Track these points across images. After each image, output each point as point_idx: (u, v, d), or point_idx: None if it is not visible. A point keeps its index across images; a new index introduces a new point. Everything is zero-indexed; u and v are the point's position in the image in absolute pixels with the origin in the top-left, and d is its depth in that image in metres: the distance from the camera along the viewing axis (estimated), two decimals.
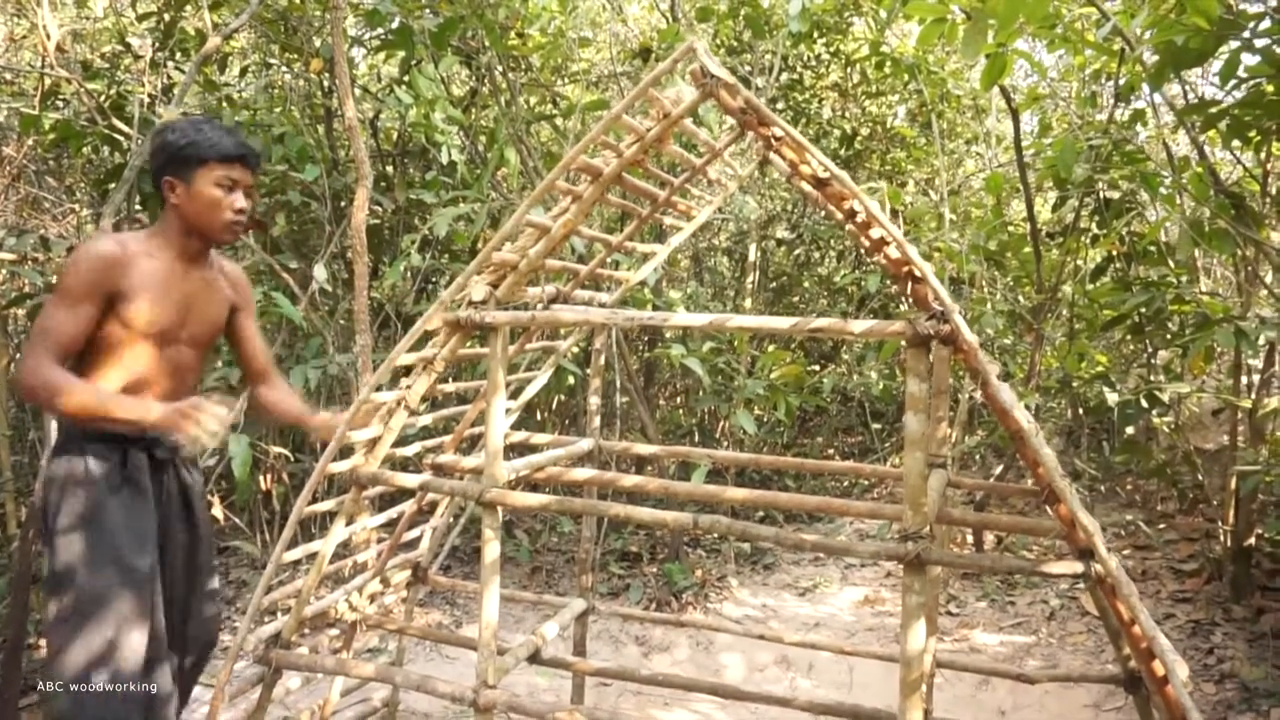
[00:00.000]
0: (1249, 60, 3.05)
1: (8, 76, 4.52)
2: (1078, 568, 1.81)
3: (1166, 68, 3.10)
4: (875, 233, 1.90)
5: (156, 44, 4.37)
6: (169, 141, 2.10)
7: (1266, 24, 2.87)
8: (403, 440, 2.51)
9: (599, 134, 2.02)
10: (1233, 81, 3.12)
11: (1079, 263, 4.91)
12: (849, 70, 5.89)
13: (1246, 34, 2.88)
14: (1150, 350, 4.72)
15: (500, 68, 4.78)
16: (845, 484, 5.76)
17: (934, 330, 1.72)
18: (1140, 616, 1.67)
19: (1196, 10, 2.74)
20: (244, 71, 5.25)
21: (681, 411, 6.15)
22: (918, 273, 1.83)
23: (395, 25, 4.25)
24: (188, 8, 4.42)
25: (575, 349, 3.96)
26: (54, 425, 2.66)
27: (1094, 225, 4.42)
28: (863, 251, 5.43)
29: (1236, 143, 3.40)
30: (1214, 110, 3.25)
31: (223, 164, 2.09)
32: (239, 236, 2.21)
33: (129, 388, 2.06)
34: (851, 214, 1.94)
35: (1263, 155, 3.62)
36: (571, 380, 4.57)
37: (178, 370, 2.16)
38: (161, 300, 2.07)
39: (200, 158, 2.08)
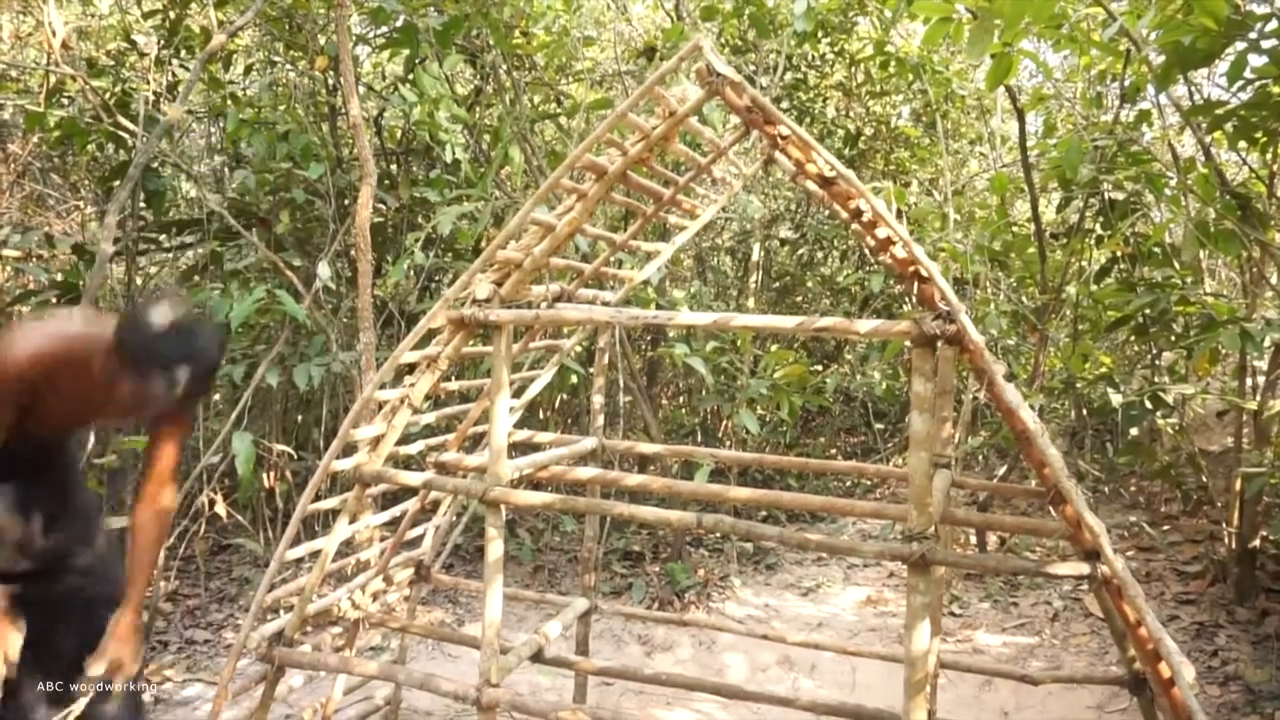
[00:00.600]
0: (1256, 61, 3.03)
1: (13, 74, 4.52)
2: (1083, 569, 1.81)
3: (1173, 68, 3.09)
4: (881, 232, 1.90)
5: (161, 41, 4.37)
6: (138, 348, 1.87)
7: (1274, 25, 2.86)
8: (406, 438, 2.51)
9: (604, 131, 2.01)
10: (1240, 82, 3.10)
11: (1083, 263, 4.90)
12: (853, 70, 5.88)
13: (1254, 35, 2.87)
14: (1155, 351, 4.71)
15: (505, 66, 4.77)
16: (848, 484, 5.75)
17: (940, 330, 1.72)
18: (1146, 618, 1.66)
19: (1204, 11, 2.73)
20: (249, 69, 5.25)
21: (684, 411, 6.15)
22: (924, 272, 1.82)
23: (400, 23, 4.25)
24: (193, 5, 4.42)
25: (578, 348, 3.95)
26: None
27: (1099, 226, 4.41)
28: (867, 251, 5.42)
29: (1242, 144, 3.39)
30: (1221, 111, 3.24)
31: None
32: None
33: None
34: (857, 213, 1.94)
35: (1269, 156, 3.60)
36: (575, 379, 4.57)
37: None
38: (61, 410, 2.01)
39: (147, 384, 1.88)
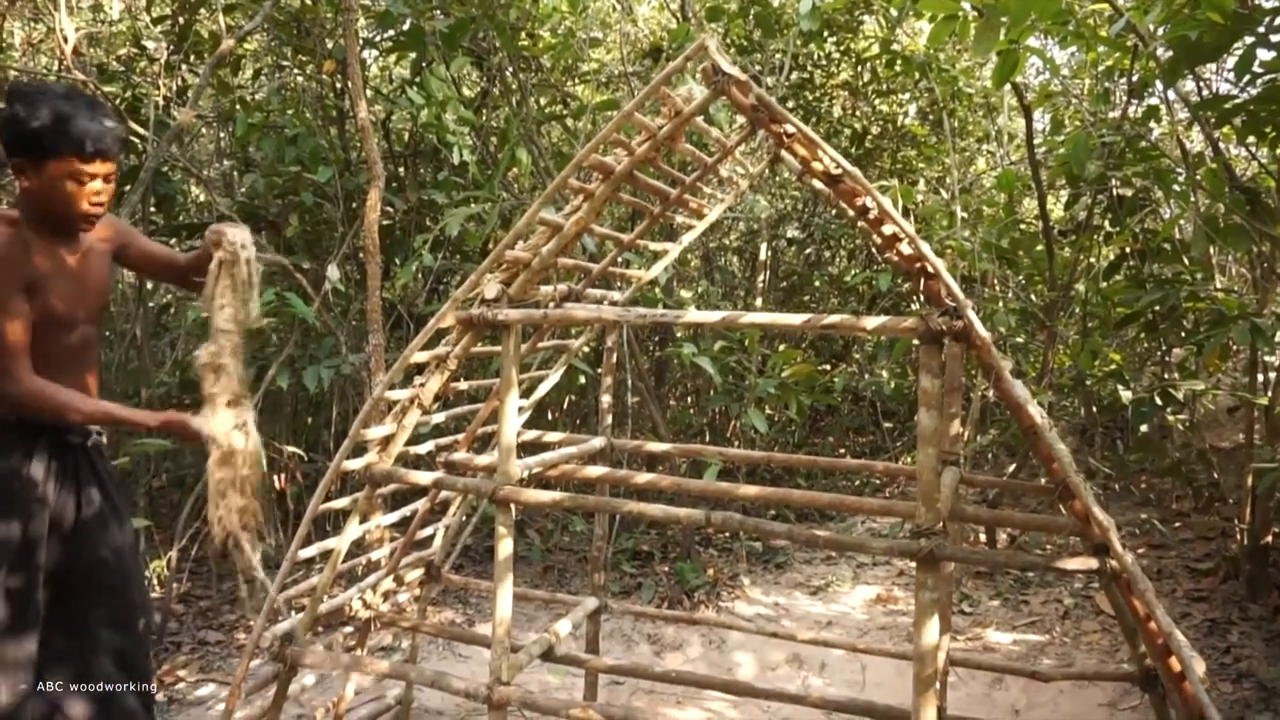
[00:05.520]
0: (1264, 55, 3.02)
1: (25, 79, 4.56)
2: (1093, 563, 1.81)
3: (1181, 64, 3.09)
4: (887, 229, 1.90)
5: (171, 47, 4.41)
6: (19, 118, 1.88)
7: None
8: (415, 439, 2.52)
9: (611, 131, 2.02)
10: (1248, 76, 3.09)
11: (1092, 260, 4.88)
12: (859, 69, 5.87)
13: (1262, 28, 2.87)
14: (1164, 348, 4.69)
15: (511, 68, 4.79)
16: (856, 483, 5.74)
17: (947, 326, 1.72)
18: (1156, 612, 1.66)
19: (1211, 5, 2.73)
20: (257, 74, 5.28)
21: (692, 411, 6.15)
22: (930, 269, 1.82)
23: (407, 27, 4.27)
24: (202, 11, 4.46)
25: (586, 348, 3.96)
26: None
27: (1107, 223, 4.39)
28: (874, 250, 5.42)
29: (1251, 139, 3.37)
30: (1229, 106, 3.23)
31: (80, 159, 1.90)
32: (96, 222, 2.07)
33: (43, 376, 2.00)
34: (864, 211, 1.94)
35: (1278, 151, 3.59)
36: (582, 380, 4.58)
37: (84, 347, 2.12)
38: (60, 289, 2.00)
39: (55, 148, 1.88)
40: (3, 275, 1.90)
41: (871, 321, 1.83)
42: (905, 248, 1.89)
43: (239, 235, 2.11)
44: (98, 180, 1.96)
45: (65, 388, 1.98)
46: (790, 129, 1.86)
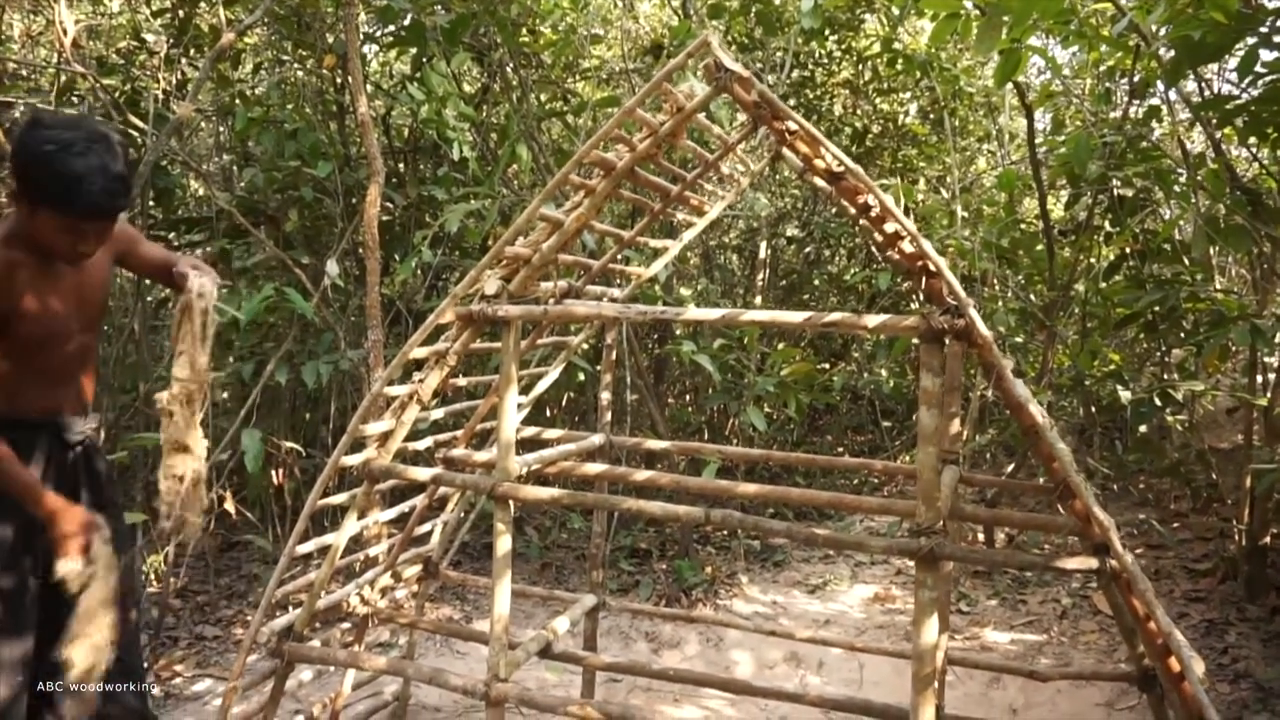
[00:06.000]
0: (1267, 55, 3.02)
1: (24, 73, 4.55)
2: (1093, 563, 1.81)
3: (1183, 63, 3.08)
4: (889, 227, 1.89)
5: (171, 40, 4.39)
6: (30, 159, 1.80)
7: None
8: (414, 435, 2.52)
9: (613, 127, 2.02)
10: (1250, 77, 3.09)
11: (1092, 260, 4.88)
12: (861, 67, 5.86)
13: (1265, 29, 2.86)
14: (1164, 348, 4.69)
15: (512, 64, 4.78)
16: (855, 482, 5.74)
17: (949, 325, 1.72)
18: (1156, 612, 1.66)
19: (1214, 5, 2.72)
20: (257, 68, 5.27)
21: (690, 409, 6.15)
22: (932, 267, 1.82)
23: (407, 22, 4.26)
24: (202, 4, 4.44)
25: (585, 346, 3.96)
26: None
27: (1107, 223, 4.39)
28: (874, 248, 5.41)
29: (1253, 139, 3.37)
30: (1231, 106, 3.22)
31: (79, 220, 1.84)
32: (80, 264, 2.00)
33: (36, 383, 1.99)
34: (865, 209, 1.94)
35: (1279, 152, 3.59)
36: (581, 377, 4.57)
37: (81, 354, 2.09)
38: (53, 303, 1.96)
39: (55, 205, 1.81)
40: None
41: (873, 320, 1.82)
42: (907, 246, 1.89)
43: (198, 283, 2.04)
44: (91, 238, 1.90)
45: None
46: (793, 126, 1.86)
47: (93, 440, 2.18)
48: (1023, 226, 5.01)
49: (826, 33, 5.25)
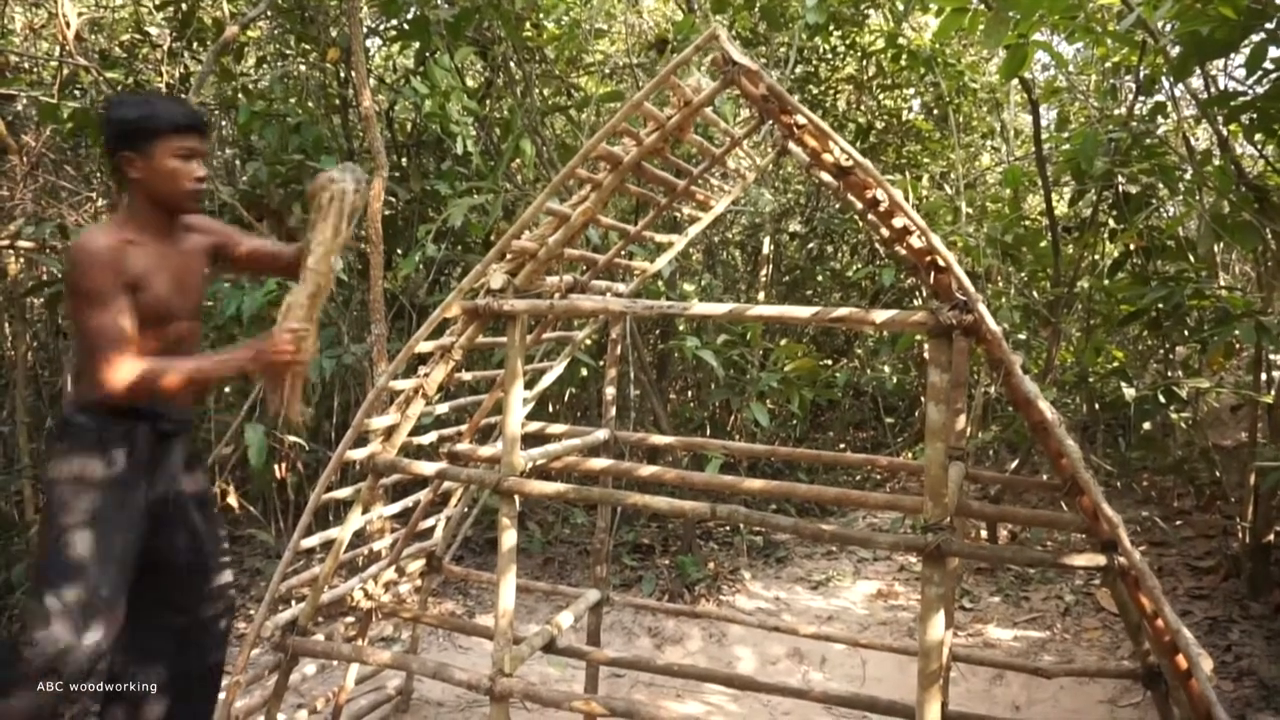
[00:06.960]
0: (1275, 52, 3.01)
1: (27, 66, 4.54)
2: (1100, 560, 1.80)
3: (1190, 59, 3.07)
4: (898, 222, 1.89)
5: (174, 33, 4.38)
6: (123, 117, 2.07)
7: None
8: (419, 429, 2.51)
9: (620, 120, 2.01)
10: (1258, 73, 3.07)
11: (1097, 257, 4.86)
12: (865, 63, 5.85)
13: (1272, 25, 2.85)
14: (1168, 346, 4.67)
15: (515, 59, 4.77)
16: (857, 478, 5.74)
17: (957, 320, 1.71)
18: (1164, 609, 1.65)
19: (1222, 0, 2.71)
20: (260, 61, 5.26)
21: (693, 404, 6.14)
22: (941, 262, 1.81)
23: (411, 16, 4.25)
24: None
25: (588, 341, 3.95)
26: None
27: (1112, 219, 4.38)
28: (879, 244, 5.40)
29: (1260, 136, 3.36)
30: (1238, 103, 3.21)
31: (178, 134, 2.07)
32: (200, 205, 2.22)
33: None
34: (874, 203, 1.93)
35: None
36: (584, 372, 4.57)
37: (185, 340, 2.19)
38: (161, 285, 2.09)
39: (156, 130, 2.05)
40: (108, 274, 2.00)
41: (880, 315, 1.82)
42: (916, 240, 1.88)
43: (327, 175, 2.21)
44: (196, 159, 2.10)
45: (164, 361, 2.06)
46: (801, 120, 1.85)
47: (186, 427, 2.29)
48: (1027, 223, 4.99)
49: (831, 28, 5.24)
